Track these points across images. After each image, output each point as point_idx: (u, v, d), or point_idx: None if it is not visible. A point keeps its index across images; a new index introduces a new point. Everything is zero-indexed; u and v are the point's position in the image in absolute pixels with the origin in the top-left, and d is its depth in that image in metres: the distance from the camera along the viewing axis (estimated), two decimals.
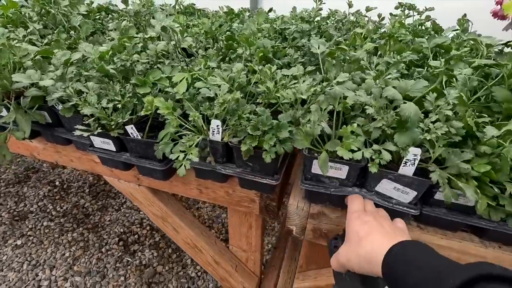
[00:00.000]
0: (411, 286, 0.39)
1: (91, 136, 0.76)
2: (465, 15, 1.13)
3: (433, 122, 0.52)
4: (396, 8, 1.41)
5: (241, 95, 0.78)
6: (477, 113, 0.62)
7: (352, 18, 1.39)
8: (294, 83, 0.65)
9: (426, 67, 0.83)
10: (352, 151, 0.54)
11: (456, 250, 0.65)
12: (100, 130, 0.68)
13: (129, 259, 1.99)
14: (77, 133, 0.67)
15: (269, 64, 0.82)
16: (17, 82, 0.76)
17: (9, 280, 1.83)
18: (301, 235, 0.77)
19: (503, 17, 1.28)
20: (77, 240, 2.12)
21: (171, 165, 0.74)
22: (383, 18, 1.39)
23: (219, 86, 0.71)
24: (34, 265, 1.94)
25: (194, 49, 1.17)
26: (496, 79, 0.67)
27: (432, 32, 1.15)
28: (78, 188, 2.59)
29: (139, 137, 0.71)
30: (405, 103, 0.55)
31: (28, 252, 2.03)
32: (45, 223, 2.25)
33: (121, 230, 2.22)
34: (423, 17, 1.39)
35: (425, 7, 1.39)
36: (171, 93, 0.70)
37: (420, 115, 0.54)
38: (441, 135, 0.50)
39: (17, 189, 2.56)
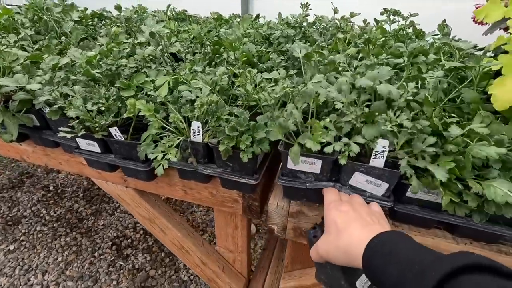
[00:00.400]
0: (392, 281, 0.39)
1: (76, 138, 0.77)
2: (444, 20, 1.17)
3: (397, 117, 0.54)
4: (382, 13, 1.45)
5: (223, 98, 0.80)
6: (448, 114, 0.64)
7: (338, 23, 1.42)
8: (272, 86, 0.68)
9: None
10: (323, 144, 0.56)
11: (430, 247, 0.67)
12: (84, 132, 0.70)
13: (122, 263, 1.99)
14: (61, 134, 0.69)
15: (250, 68, 0.85)
16: (5, 86, 0.78)
17: (1, 285, 1.83)
18: (283, 234, 0.78)
19: (481, 23, 1.32)
20: (70, 245, 2.12)
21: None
22: (368, 23, 1.43)
23: (201, 89, 0.74)
24: (26, 269, 1.94)
25: (182, 54, 1.19)
26: (467, 81, 0.70)
27: (414, 37, 1.18)
28: (72, 193, 2.59)
29: (123, 139, 0.73)
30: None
31: (20, 257, 2.03)
32: (38, 228, 2.25)
33: (115, 234, 2.22)
34: (407, 22, 1.43)
35: (410, 12, 1.43)
36: (153, 96, 0.72)
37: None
38: (404, 128, 0.53)
39: (10, 194, 2.56)
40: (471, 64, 0.66)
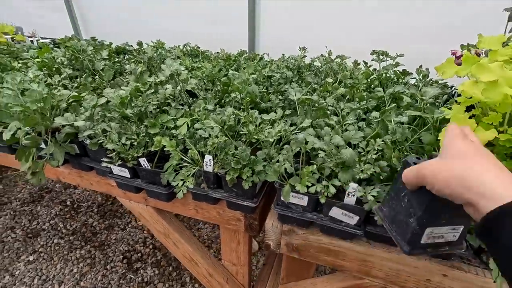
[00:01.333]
0: None
1: (111, 166, 0.96)
2: (421, 66, 1.36)
3: (365, 163, 0.71)
4: (371, 54, 1.65)
5: (230, 133, 0.98)
6: (408, 153, 0.81)
7: (333, 63, 1.62)
8: (269, 128, 0.86)
9: (380, 112, 1.04)
10: (308, 186, 0.73)
11: (395, 261, 0.81)
12: (120, 162, 0.89)
13: (132, 276, 2.12)
14: (104, 164, 0.88)
15: (253, 110, 1.03)
16: (55, 121, 0.98)
17: None
18: (277, 249, 0.94)
19: (459, 64, 1.50)
20: (85, 257, 2.27)
21: (173, 189, 0.94)
22: (358, 64, 1.63)
23: (212, 128, 0.92)
24: (44, 280, 2.09)
25: (196, 90, 1.40)
26: (426, 126, 0.87)
27: (395, 79, 1.36)
28: (87, 208, 2.77)
29: (149, 167, 0.91)
30: (346, 148, 0.75)
31: (39, 267, 2.18)
32: (55, 241, 2.41)
33: (126, 248, 2.37)
34: (394, 62, 1.62)
35: (396, 53, 1.62)
36: (175, 133, 0.91)
37: (356, 158, 0.73)
38: (370, 174, 0.69)
39: (31, 208, 2.76)
40: (428, 113, 0.83)
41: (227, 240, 1.14)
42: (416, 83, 1.37)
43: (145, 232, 2.52)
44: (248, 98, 1.14)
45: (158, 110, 1.17)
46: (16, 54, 1.81)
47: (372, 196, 0.68)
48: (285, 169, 0.76)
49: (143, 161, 0.90)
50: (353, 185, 0.73)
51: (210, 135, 0.90)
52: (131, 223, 2.62)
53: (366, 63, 1.59)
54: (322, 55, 1.71)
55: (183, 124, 0.91)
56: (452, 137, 0.49)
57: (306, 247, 0.89)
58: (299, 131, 0.88)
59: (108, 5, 2.71)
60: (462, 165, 0.43)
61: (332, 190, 0.73)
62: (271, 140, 0.79)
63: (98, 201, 2.86)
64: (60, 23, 2.89)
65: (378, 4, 1.91)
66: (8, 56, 1.78)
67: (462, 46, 1.46)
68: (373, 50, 1.62)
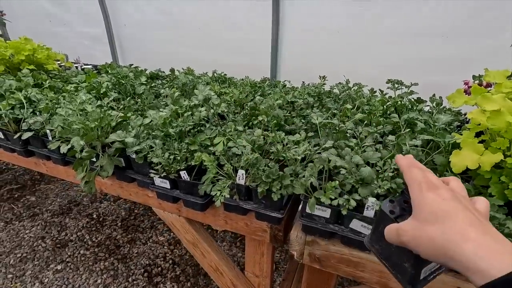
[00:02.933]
0: None
1: (154, 177, 1.09)
2: (434, 94, 1.46)
3: (382, 180, 0.81)
4: (387, 82, 1.77)
5: (259, 152, 1.11)
6: None
7: (351, 90, 1.75)
8: (295, 147, 0.98)
9: (395, 135, 1.14)
10: (331, 199, 0.83)
11: None
12: (164, 174, 1.02)
13: None
14: (152, 175, 1.02)
15: (280, 132, 1.16)
16: (110, 137, 1.14)
17: None
18: (300, 259, 1.02)
19: (470, 94, 1.60)
20: (108, 269, 2.37)
21: (209, 200, 1.06)
22: (375, 92, 1.75)
23: (244, 146, 1.05)
24: None
25: (226, 113, 1.55)
26: (439, 149, 0.96)
27: (410, 106, 1.46)
28: (112, 222, 2.91)
29: (188, 179, 1.04)
30: (365, 166, 0.85)
31: (66, 276, 2.30)
32: (82, 252, 2.54)
33: (147, 262, 2.46)
34: (409, 90, 1.73)
35: (411, 82, 1.74)
36: (212, 150, 1.04)
37: (374, 175, 0.83)
38: (387, 189, 0.79)
39: (60, 219, 2.92)
40: (440, 138, 0.93)
41: (251, 252, 1.23)
42: (430, 110, 1.46)
43: (165, 247, 2.61)
44: (274, 121, 1.27)
45: (194, 130, 1.32)
46: (66, 79, 2.05)
47: None
48: (311, 183, 0.86)
49: (184, 174, 1.03)
50: (371, 199, 0.82)
51: (242, 152, 1.02)
52: (152, 238, 2.73)
53: (382, 91, 1.71)
54: (340, 83, 1.84)
55: (220, 142, 1.05)
56: (419, 190, 0.46)
57: (327, 258, 0.97)
58: (322, 150, 0.99)
59: (144, 36, 3.02)
60: (440, 233, 0.41)
61: (353, 203, 0.82)
62: (298, 157, 0.90)
63: (122, 215, 3.00)
64: (100, 50, 3.22)
65: (392, 36, 2.06)
66: (59, 80, 2.02)
67: (474, 77, 1.56)
68: (389, 79, 1.75)
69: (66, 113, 1.19)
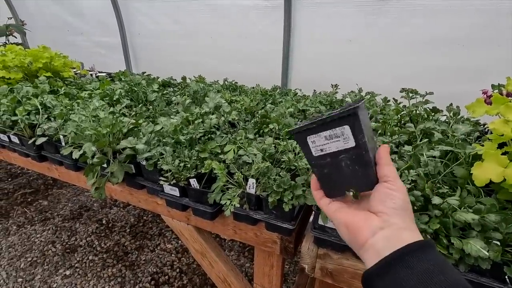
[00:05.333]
0: None
1: (163, 184, 1.09)
2: (451, 104, 1.41)
3: None
4: (401, 91, 1.73)
5: (270, 160, 1.08)
6: (441, 185, 0.85)
7: (364, 98, 1.72)
8: None
9: (412, 146, 1.10)
10: None
11: None
12: (174, 181, 1.01)
13: None
14: (162, 182, 1.01)
15: (291, 140, 1.14)
16: (121, 144, 1.14)
17: None
18: (312, 272, 0.98)
19: (490, 103, 1.54)
20: (116, 276, 2.36)
21: (218, 209, 1.04)
22: (388, 101, 1.71)
23: (255, 155, 1.03)
24: None
25: (236, 121, 1.54)
26: (458, 161, 0.92)
27: (425, 115, 1.42)
28: (121, 228, 2.92)
29: (198, 187, 1.03)
30: None
31: (74, 282, 2.30)
32: (90, 257, 2.55)
33: (154, 270, 2.44)
34: (424, 99, 1.68)
35: (426, 91, 1.69)
36: (222, 158, 1.03)
37: None
38: None
39: (71, 224, 2.95)
40: (459, 148, 0.89)
41: (261, 264, 1.19)
42: (446, 120, 1.41)
43: (172, 255, 2.59)
44: (285, 129, 1.25)
45: (205, 137, 1.31)
46: (81, 86, 2.10)
47: None
48: None
49: (193, 181, 1.02)
50: None
51: (253, 161, 1.00)
52: (160, 245, 2.71)
53: (396, 100, 1.67)
54: (352, 91, 1.81)
55: (230, 150, 1.03)
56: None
57: (340, 272, 0.92)
58: None
59: (157, 45, 3.08)
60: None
61: None
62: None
63: (130, 221, 3.00)
64: (115, 59, 3.30)
65: (405, 45, 2.02)
66: (74, 87, 2.07)
67: (493, 86, 1.51)
68: (403, 88, 1.71)
69: (79, 119, 1.21)
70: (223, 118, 1.38)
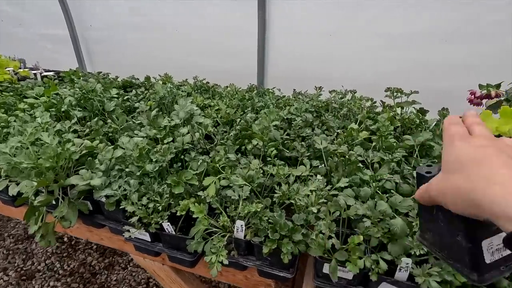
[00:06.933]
0: None
1: (130, 228, 0.88)
2: (443, 108, 1.34)
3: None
4: (386, 91, 1.63)
5: (258, 190, 0.92)
6: None
7: (350, 102, 1.59)
8: (305, 190, 0.80)
9: (412, 164, 0.99)
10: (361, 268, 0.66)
11: None
12: (144, 230, 0.81)
13: None
14: (126, 235, 0.80)
15: (280, 162, 0.98)
16: (71, 180, 0.91)
17: None
18: None
19: (478, 104, 1.49)
20: None
21: (199, 255, 0.86)
22: (374, 102, 1.61)
23: (241, 187, 0.86)
24: None
25: (212, 133, 1.35)
26: None
27: (417, 121, 1.33)
28: (86, 245, 2.63)
29: (174, 233, 0.84)
30: (394, 216, 0.69)
31: None
32: (51, 283, 2.26)
33: None
34: (409, 98, 1.60)
35: (411, 90, 1.61)
36: (201, 195, 0.84)
37: (407, 230, 0.67)
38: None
39: (25, 246, 2.60)
40: None
41: None
42: (437, 123, 1.33)
43: (147, 272, 2.38)
44: (272, 147, 1.08)
45: (177, 158, 1.11)
46: (21, 92, 1.75)
47: (436, 282, 0.61)
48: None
49: (167, 226, 0.83)
50: (406, 260, 0.66)
51: (239, 196, 0.83)
52: (132, 261, 2.48)
53: (383, 103, 1.57)
54: (334, 90, 1.68)
55: (211, 184, 0.85)
56: (449, 140, 0.43)
57: None
58: (335, 191, 0.82)
59: (113, 39, 2.71)
60: (465, 182, 0.36)
61: (384, 266, 0.66)
62: (314, 210, 0.72)
63: None
64: (65, 54, 2.87)
65: (387, 40, 1.92)
66: (12, 94, 1.72)
67: (480, 86, 1.45)
68: (388, 88, 1.61)
69: (11, 150, 0.94)
70: (197, 134, 1.18)
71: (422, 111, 1.56)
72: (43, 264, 2.42)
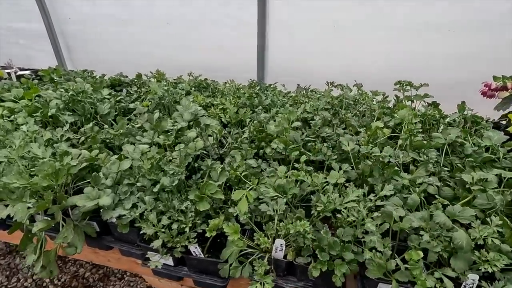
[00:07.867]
0: None
1: (152, 255, 0.77)
2: (463, 102, 1.30)
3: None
4: (395, 84, 1.58)
5: (289, 199, 0.83)
6: None
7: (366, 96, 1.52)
8: (351, 202, 0.72)
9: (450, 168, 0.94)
10: None
11: None
12: (169, 256, 0.70)
13: None
14: (152, 265, 0.69)
15: (308, 167, 0.89)
16: (76, 202, 0.78)
17: None
18: None
19: (491, 96, 1.47)
20: None
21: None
22: (387, 97, 1.55)
23: (275, 199, 0.77)
24: None
25: (222, 136, 1.24)
26: None
27: (437, 116, 1.28)
28: None
29: (203, 256, 0.73)
30: (453, 227, 0.62)
31: None
32: None
33: None
34: (419, 91, 1.56)
35: (421, 83, 1.57)
36: (233, 212, 0.74)
37: (472, 243, 0.61)
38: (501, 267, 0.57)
39: (8, 261, 2.39)
40: None
41: None
42: (457, 120, 1.28)
43: (146, 281, 2.26)
44: (295, 151, 0.99)
45: (189, 167, 1.00)
46: None
47: None
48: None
49: (195, 249, 0.72)
50: (472, 276, 0.60)
51: (275, 211, 0.74)
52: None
53: (397, 97, 1.52)
54: (340, 85, 1.60)
55: (241, 198, 0.75)
56: None
57: None
58: (379, 200, 0.75)
59: (95, 33, 2.48)
60: None
61: (450, 285, 0.60)
62: (371, 228, 0.64)
63: None
64: (41, 51, 2.61)
65: (392, 31, 1.86)
66: None
67: (495, 78, 1.42)
68: (398, 81, 1.56)
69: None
70: (211, 139, 1.07)
71: (435, 104, 1.52)
72: (30, 280, 2.23)
